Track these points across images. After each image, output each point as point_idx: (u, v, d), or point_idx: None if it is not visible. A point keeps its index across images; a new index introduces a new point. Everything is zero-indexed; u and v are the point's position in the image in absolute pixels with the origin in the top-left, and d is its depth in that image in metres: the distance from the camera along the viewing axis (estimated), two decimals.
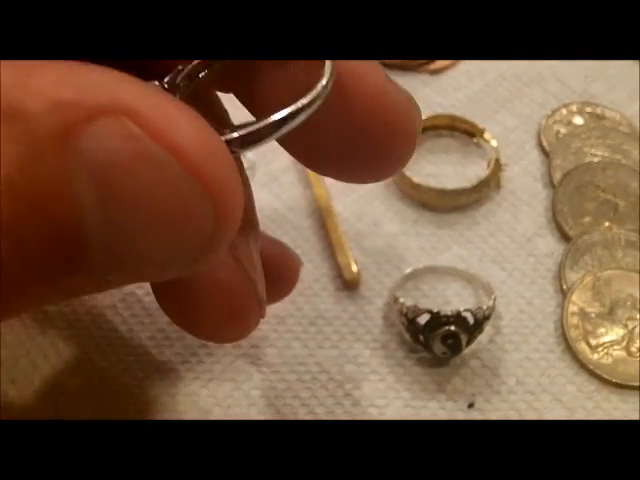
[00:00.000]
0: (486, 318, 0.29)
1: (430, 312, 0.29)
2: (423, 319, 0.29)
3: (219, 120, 0.22)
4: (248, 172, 0.36)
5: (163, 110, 0.14)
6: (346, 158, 0.20)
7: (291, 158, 0.36)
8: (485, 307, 0.29)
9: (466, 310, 0.29)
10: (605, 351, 0.29)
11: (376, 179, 0.22)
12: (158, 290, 0.22)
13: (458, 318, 0.29)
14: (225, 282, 0.21)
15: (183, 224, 0.15)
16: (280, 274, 0.26)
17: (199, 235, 0.15)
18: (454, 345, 0.29)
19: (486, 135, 0.37)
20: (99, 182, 0.14)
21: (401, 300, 0.30)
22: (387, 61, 0.40)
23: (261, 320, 0.30)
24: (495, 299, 0.30)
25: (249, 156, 0.37)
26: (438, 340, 0.29)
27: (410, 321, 0.29)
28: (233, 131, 0.16)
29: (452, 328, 0.29)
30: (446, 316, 0.29)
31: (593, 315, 0.30)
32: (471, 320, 0.29)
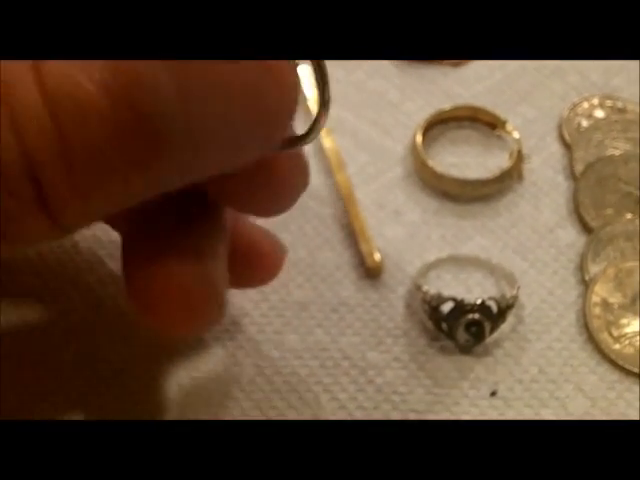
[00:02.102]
0: (509, 307, 0.29)
1: (454, 300, 0.29)
2: (447, 307, 0.29)
3: None
4: None
5: None
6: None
7: (312, 146, 0.37)
8: (509, 296, 0.29)
9: (490, 299, 0.29)
10: (627, 341, 0.30)
11: None
12: (128, 281, 0.23)
13: (482, 306, 0.29)
14: (189, 288, 0.22)
15: (253, 100, 0.17)
16: (262, 261, 0.26)
17: (267, 108, 0.17)
18: (477, 333, 0.29)
19: (508, 126, 0.37)
20: (178, 70, 0.16)
21: (424, 288, 0.30)
22: None
23: (283, 306, 0.30)
24: (519, 288, 0.30)
25: None
26: (462, 328, 0.29)
27: (433, 309, 0.30)
28: None
29: (476, 316, 0.29)
30: (470, 304, 0.29)
31: (615, 306, 0.30)
32: (495, 309, 0.29)
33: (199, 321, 0.23)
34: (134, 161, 0.16)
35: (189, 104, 0.16)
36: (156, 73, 0.16)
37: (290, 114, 0.18)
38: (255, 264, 0.27)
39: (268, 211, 0.25)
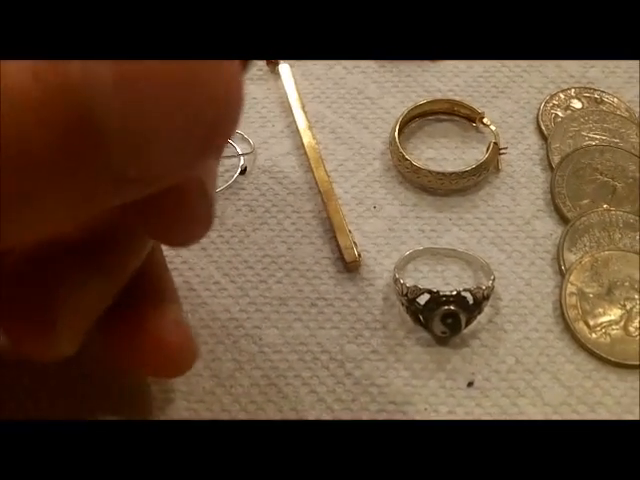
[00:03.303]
0: (485, 298, 0.30)
1: (430, 292, 0.29)
2: (423, 299, 0.30)
3: None
4: (249, 157, 0.36)
5: None
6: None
7: (291, 142, 0.37)
8: (484, 287, 0.30)
9: (465, 290, 0.29)
10: (603, 331, 0.30)
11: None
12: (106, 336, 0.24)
13: (458, 298, 0.29)
14: (169, 341, 0.24)
15: (198, 93, 0.16)
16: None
17: (213, 103, 0.16)
18: (453, 324, 0.29)
19: (485, 119, 0.37)
20: (116, 68, 0.15)
21: (401, 281, 0.30)
22: None
23: (263, 302, 0.30)
24: (494, 280, 0.30)
25: (250, 141, 0.37)
26: (438, 319, 0.29)
27: (410, 301, 0.30)
28: None
29: (452, 307, 0.29)
30: (446, 296, 0.29)
31: (591, 295, 0.31)
32: (470, 300, 0.29)
33: (177, 371, 0.25)
34: (70, 163, 0.16)
35: (127, 103, 0.15)
36: (93, 70, 0.15)
37: (233, 117, 0.17)
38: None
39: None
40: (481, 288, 0.29)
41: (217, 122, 0.17)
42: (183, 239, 0.23)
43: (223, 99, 0.16)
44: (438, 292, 0.29)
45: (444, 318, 0.29)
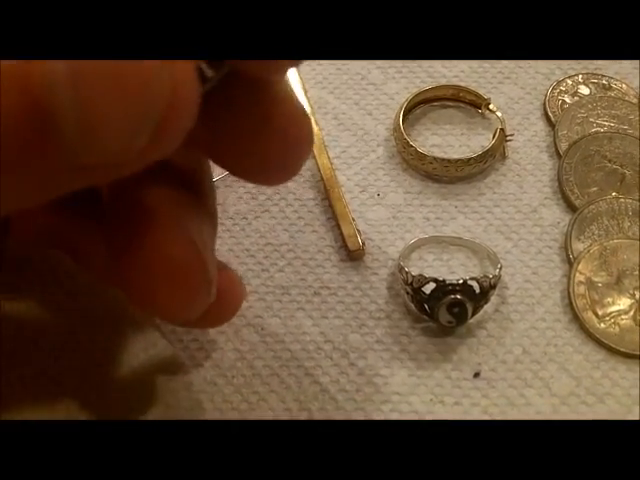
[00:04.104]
0: (492, 287, 0.29)
1: (436, 281, 0.29)
2: (429, 288, 0.29)
3: None
4: None
5: None
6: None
7: None
8: (491, 276, 0.29)
9: (472, 279, 0.29)
10: (612, 320, 0.29)
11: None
12: (117, 263, 0.22)
13: (464, 286, 0.28)
14: (177, 257, 0.22)
15: (145, 90, 0.17)
16: (223, 298, 0.26)
17: (160, 97, 0.17)
18: (460, 314, 0.29)
19: (491, 106, 0.36)
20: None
21: (406, 269, 0.29)
22: None
23: (265, 290, 0.30)
24: (501, 268, 0.30)
25: None
26: (444, 308, 0.28)
27: (415, 290, 0.29)
28: None
29: (458, 296, 0.28)
30: (452, 285, 0.29)
31: (600, 284, 0.30)
32: (477, 289, 0.29)
33: (189, 297, 0.22)
34: (25, 150, 0.16)
35: (79, 88, 0.16)
36: (50, 62, 0.16)
37: (182, 116, 0.18)
38: (218, 303, 0.24)
39: (273, 175, 0.24)
40: (488, 277, 0.29)
41: (164, 115, 0.17)
42: (176, 316, 0.24)
43: (170, 98, 0.17)
44: (444, 281, 0.29)
45: (450, 307, 0.28)
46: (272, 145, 0.23)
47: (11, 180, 0.17)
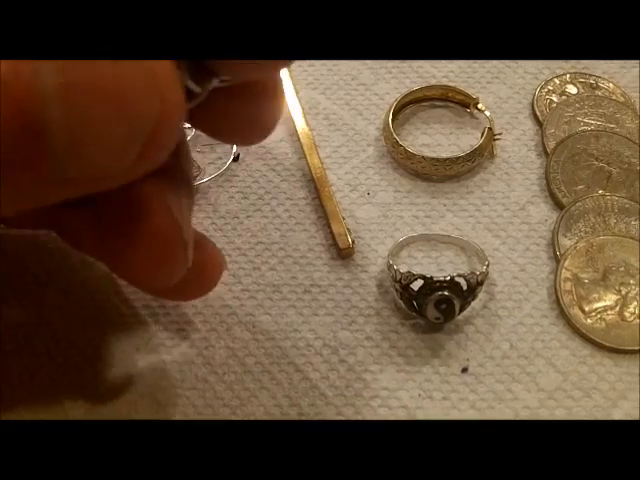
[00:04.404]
0: (479, 284, 0.29)
1: (423, 278, 0.29)
2: (417, 285, 0.29)
3: None
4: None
5: None
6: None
7: (284, 129, 0.36)
8: (478, 273, 0.29)
9: (459, 276, 0.29)
10: (598, 316, 0.30)
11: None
12: (101, 235, 0.24)
13: (451, 283, 0.29)
14: (155, 225, 0.23)
15: (135, 107, 0.17)
16: (202, 270, 0.26)
17: (149, 117, 0.18)
18: (447, 310, 0.29)
19: (480, 105, 0.37)
20: (60, 71, 0.16)
21: (395, 267, 0.30)
22: None
23: (256, 289, 0.30)
24: (488, 265, 0.30)
25: None
26: (432, 305, 0.29)
27: (404, 287, 0.30)
28: None
29: (445, 293, 0.29)
30: (439, 281, 0.29)
31: (586, 281, 0.30)
32: (464, 286, 0.29)
33: (172, 265, 0.23)
34: (13, 162, 0.17)
35: (70, 105, 0.16)
36: (39, 73, 0.16)
37: (169, 132, 0.19)
38: (197, 274, 0.26)
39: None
40: (475, 274, 0.29)
41: (152, 134, 0.18)
42: (157, 281, 0.24)
43: (158, 118, 0.18)
44: (432, 278, 0.29)
45: (438, 304, 0.29)
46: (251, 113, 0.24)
47: None
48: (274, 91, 0.24)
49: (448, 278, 0.29)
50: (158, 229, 0.23)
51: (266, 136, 0.25)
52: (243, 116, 0.24)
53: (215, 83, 0.20)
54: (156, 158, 0.19)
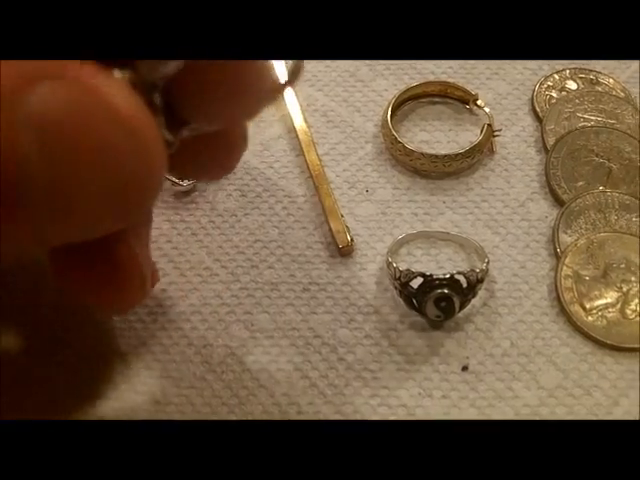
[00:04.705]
0: (479, 281, 0.29)
1: (423, 275, 0.29)
2: (416, 283, 0.29)
3: None
4: None
5: (105, 79, 0.17)
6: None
7: (282, 126, 0.36)
8: (478, 270, 0.29)
9: (459, 273, 0.29)
10: (600, 313, 0.29)
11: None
12: (54, 260, 0.23)
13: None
14: (117, 263, 0.23)
15: (119, 166, 0.17)
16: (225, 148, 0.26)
17: (133, 184, 0.18)
18: (447, 308, 0.29)
19: (479, 101, 0.36)
20: (42, 133, 0.16)
21: (394, 264, 0.30)
22: None
23: (254, 287, 0.30)
24: (488, 263, 0.30)
25: None
26: (431, 303, 0.29)
27: (403, 285, 0.29)
28: None
29: (445, 291, 0.28)
30: (439, 279, 0.29)
31: (587, 278, 0.30)
32: (464, 283, 0.29)
33: (127, 295, 0.24)
34: None
35: (52, 167, 0.16)
36: (20, 132, 0.16)
37: (155, 189, 0.19)
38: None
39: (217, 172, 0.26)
40: (475, 271, 0.29)
41: (136, 199, 0.18)
42: (115, 305, 0.24)
43: (143, 174, 0.18)
44: (431, 275, 0.29)
45: (437, 302, 0.29)
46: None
47: None
48: (239, 137, 0.24)
49: (448, 276, 0.29)
50: (119, 267, 0.23)
51: (227, 174, 0.27)
52: (206, 160, 0.24)
53: (186, 132, 0.20)
54: (135, 217, 0.19)
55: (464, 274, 0.29)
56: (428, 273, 0.29)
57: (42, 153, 0.16)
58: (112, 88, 0.17)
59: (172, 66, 0.19)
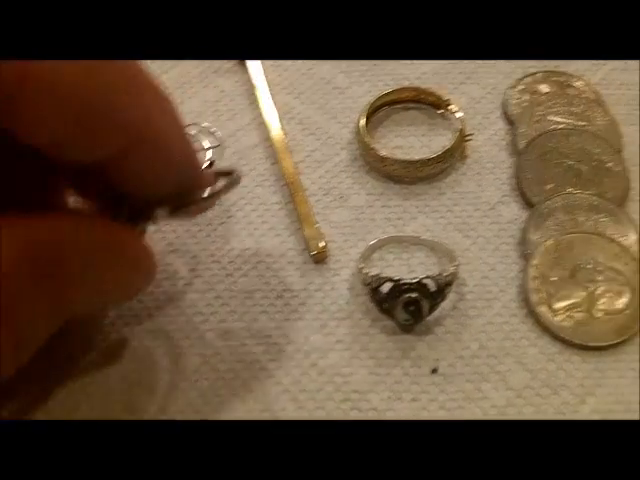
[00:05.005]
0: (448, 284, 0.30)
1: (392, 280, 0.29)
2: (386, 288, 0.30)
3: None
4: (217, 150, 0.36)
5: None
6: None
7: (260, 135, 0.37)
8: (446, 273, 0.30)
9: (428, 277, 0.29)
10: (567, 314, 0.30)
11: None
12: None
13: (419, 285, 0.29)
14: (139, 257, 0.26)
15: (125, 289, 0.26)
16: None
17: (130, 293, 0.27)
18: (416, 312, 0.29)
19: (451, 106, 0.37)
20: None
21: (365, 270, 0.30)
22: None
23: (229, 295, 0.30)
24: (457, 265, 0.30)
25: (218, 134, 0.37)
26: (400, 307, 0.29)
27: (374, 290, 0.30)
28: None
29: (413, 295, 0.29)
30: (407, 284, 0.29)
31: (555, 278, 0.31)
32: (433, 287, 0.29)
33: (144, 284, 0.27)
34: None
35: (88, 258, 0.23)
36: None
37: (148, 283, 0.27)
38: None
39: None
40: (442, 274, 0.29)
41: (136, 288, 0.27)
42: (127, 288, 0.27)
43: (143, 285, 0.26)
44: (399, 280, 0.29)
45: (406, 306, 0.29)
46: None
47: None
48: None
49: (416, 280, 0.29)
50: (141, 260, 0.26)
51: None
52: None
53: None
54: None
55: (433, 278, 0.29)
56: (396, 278, 0.29)
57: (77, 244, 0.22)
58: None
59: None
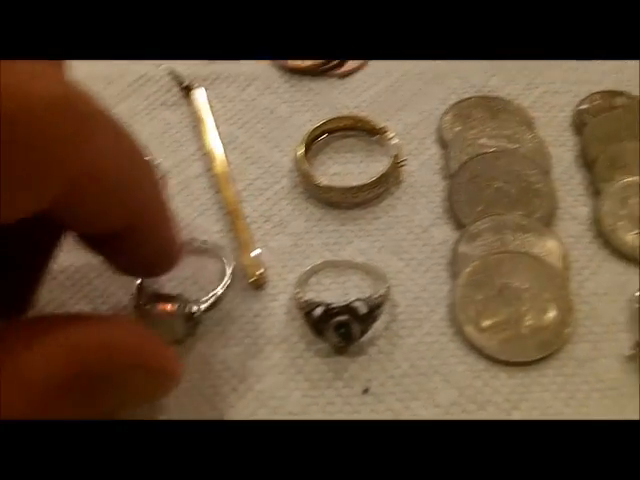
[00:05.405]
0: (378, 306, 0.31)
1: (323, 304, 0.30)
2: (318, 311, 0.31)
3: None
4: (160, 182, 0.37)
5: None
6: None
7: (204, 165, 0.38)
8: (376, 295, 0.31)
9: (357, 300, 0.30)
10: (493, 331, 0.31)
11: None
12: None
13: (349, 308, 0.30)
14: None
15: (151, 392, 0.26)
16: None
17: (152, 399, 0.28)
18: (347, 334, 0.30)
19: (387, 133, 0.38)
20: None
21: (299, 295, 0.31)
22: (299, 67, 0.41)
23: None
24: (388, 287, 0.31)
25: (163, 165, 0.38)
26: (331, 330, 0.30)
27: (307, 314, 0.31)
28: None
29: (343, 318, 0.30)
30: (338, 307, 0.30)
31: (481, 297, 0.32)
32: (363, 309, 0.30)
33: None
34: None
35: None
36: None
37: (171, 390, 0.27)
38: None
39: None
40: (373, 297, 0.31)
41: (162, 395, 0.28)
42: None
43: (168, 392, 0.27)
44: (330, 304, 0.30)
45: (337, 329, 0.30)
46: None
47: None
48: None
49: (345, 303, 0.30)
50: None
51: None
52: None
53: None
54: None
55: (363, 300, 0.31)
56: (327, 302, 0.30)
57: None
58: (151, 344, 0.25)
59: None
